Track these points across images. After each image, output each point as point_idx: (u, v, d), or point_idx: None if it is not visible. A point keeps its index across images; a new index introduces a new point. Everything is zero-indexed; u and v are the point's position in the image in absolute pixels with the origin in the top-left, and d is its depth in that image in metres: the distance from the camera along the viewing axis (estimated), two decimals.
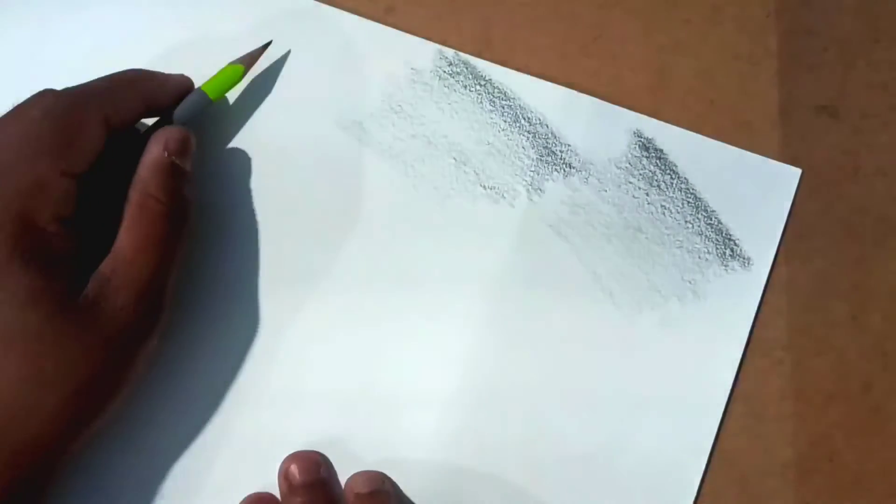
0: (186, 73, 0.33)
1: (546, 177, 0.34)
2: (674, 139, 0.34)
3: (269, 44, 0.34)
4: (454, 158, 0.34)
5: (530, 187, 0.34)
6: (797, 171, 0.34)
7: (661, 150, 0.34)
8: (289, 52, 0.34)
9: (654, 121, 0.34)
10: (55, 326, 0.26)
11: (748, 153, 0.34)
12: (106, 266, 0.28)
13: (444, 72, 0.35)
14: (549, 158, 0.34)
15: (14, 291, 0.26)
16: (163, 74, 0.32)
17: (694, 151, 0.34)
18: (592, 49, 0.35)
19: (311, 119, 0.34)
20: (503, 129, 0.34)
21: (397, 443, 0.32)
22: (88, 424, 0.28)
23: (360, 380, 0.33)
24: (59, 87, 0.29)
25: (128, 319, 0.28)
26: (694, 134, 0.34)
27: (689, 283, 0.33)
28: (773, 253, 0.34)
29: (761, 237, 0.34)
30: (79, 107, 0.29)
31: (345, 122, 0.34)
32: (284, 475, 0.31)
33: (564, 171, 0.34)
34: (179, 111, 0.31)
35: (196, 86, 0.32)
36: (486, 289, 0.33)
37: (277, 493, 0.31)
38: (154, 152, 0.30)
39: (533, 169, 0.34)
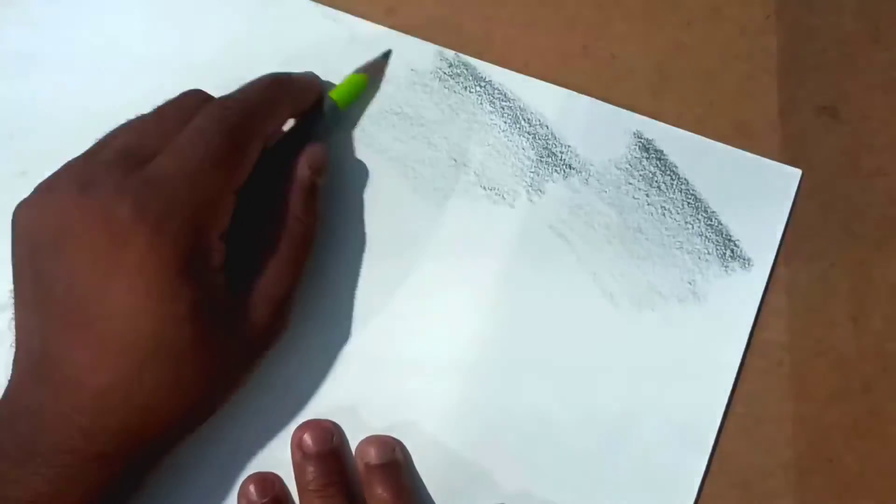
0: (187, 74, 0.33)
1: (546, 178, 0.34)
2: (674, 140, 0.34)
3: (389, 52, 0.34)
4: (454, 159, 0.34)
5: (530, 188, 0.34)
6: (797, 172, 0.34)
7: (662, 151, 0.34)
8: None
9: (655, 122, 0.34)
10: (206, 341, 0.27)
11: (748, 154, 0.34)
12: (253, 283, 0.29)
13: (445, 73, 0.35)
14: (549, 159, 0.34)
15: (177, 304, 0.26)
16: (298, 78, 0.32)
17: (694, 152, 0.34)
18: (592, 50, 0.35)
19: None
20: (503, 131, 0.34)
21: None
22: (203, 422, 0.29)
23: (361, 379, 0.33)
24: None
25: (264, 330, 0.30)
26: (694, 135, 0.34)
27: (689, 283, 0.33)
28: (773, 254, 0.34)
29: (761, 238, 0.34)
30: (247, 123, 0.29)
31: (345, 124, 0.34)
32: (298, 444, 0.32)
33: (564, 172, 0.34)
34: (323, 126, 0.32)
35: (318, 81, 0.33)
36: (486, 289, 0.33)
37: (289, 462, 0.32)
38: (303, 174, 0.31)
39: (533, 170, 0.34)
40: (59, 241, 0.26)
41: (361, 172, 0.34)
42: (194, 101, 0.30)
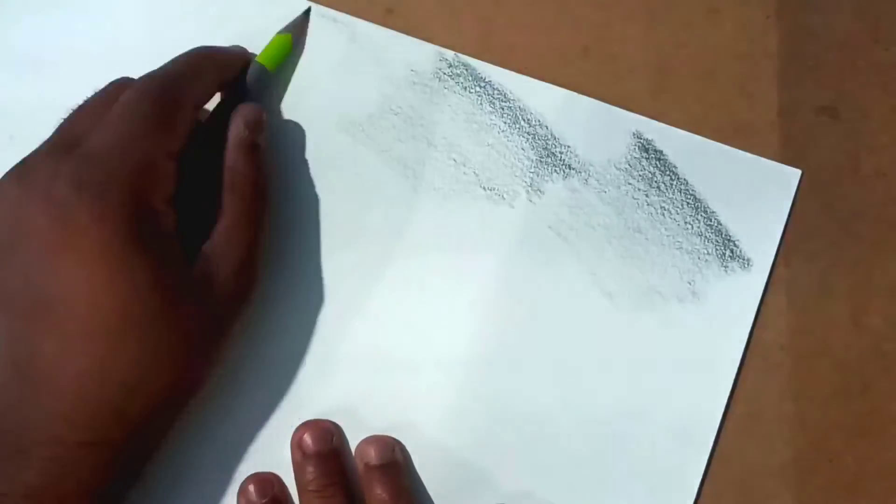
0: None
1: (546, 178, 0.34)
2: (673, 140, 0.34)
3: (308, 10, 0.34)
4: (454, 160, 0.34)
5: (530, 188, 0.34)
6: (797, 172, 0.34)
7: (661, 152, 0.34)
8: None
9: (654, 122, 0.34)
10: (171, 308, 0.27)
11: (748, 154, 0.34)
12: (208, 245, 0.29)
13: (444, 73, 0.35)
14: (549, 160, 0.34)
15: (133, 274, 0.26)
16: (221, 48, 0.33)
17: (694, 152, 0.34)
18: (592, 50, 0.35)
19: (311, 121, 0.34)
20: (503, 131, 0.34)
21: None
22: (192, 395, 0.29)
23: (361, 380, 0.33)
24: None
25: (230, 291, 0.30)
26: (694, 135, 0.34)
27: (689, 283, 0.33)
28: (772, 254, 0.34)
29: (761, 238, 0.34)
30: (171, 89, 0.29)
31: (345, 124, 0.34)
32: (298, 444, 0.32)
33: (564, 172, 0.34)
34: (252, 89, 0.32)
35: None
36: (486, 290, 0.33)
37: (289, 462, 0.32)
38: (239, 132, 0.31)
39: (533, 170, 0.34)
40: (5, 236, 0.27)
41: (361, 172, 0.34)
42: (121, 85, 0.30)
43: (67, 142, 0.28)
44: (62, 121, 0.30)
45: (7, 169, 0.32)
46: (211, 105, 0.32)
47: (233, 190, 0.30)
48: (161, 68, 0.31)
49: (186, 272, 0.28)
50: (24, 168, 0.28)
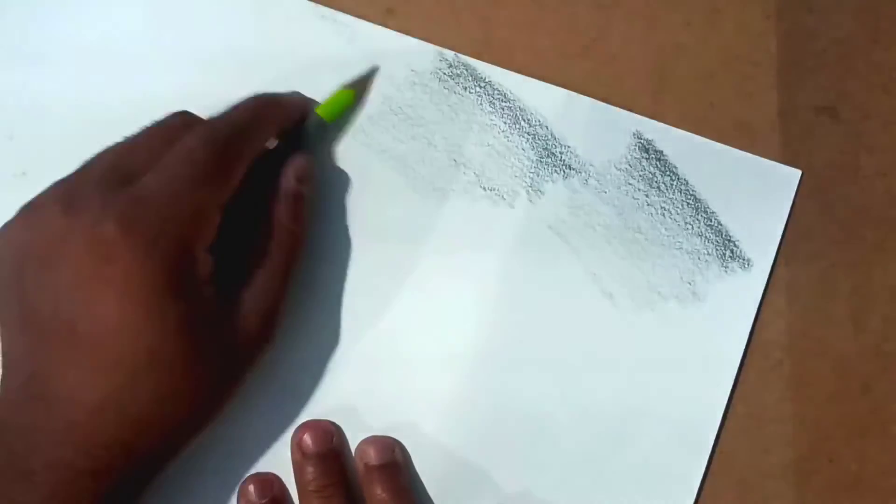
0: (187, 75, 0.33)
1: (546, 178, 0.34)
2: (674, 141, 0.34)
3: (376, 69, 0.34)
4: (454, 160, 0.34)
5: (530, 189, 0.34)
6: (797, 173, 0.34)
7: (661, 152, 0.34)
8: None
9: (654, 122, 0.34)
10: (196, 352, 0.27)
11: (748, 155, 0.34)
12: (245, 291, 0.29)
13: (444, 73, 0.35)
14: (549, 160, 0.34)
15: (166, 318, 0.26)
16: (284, 98, 0.33)
17: (694, 153, 0.34)
18: (592, 51, 0.35)
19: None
20: (503, 131, 0.34)
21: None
22: (203, 431, 0.29)
23: (361, 380, 0.33)
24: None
25: (255, 339, 0.30)
26: (694, 135, 0.34)
27: (689, 284, 0.33)
28: (772, 254, 0.34)
29: (761, 238, 0.34)
30: (233, 140, 0.29)
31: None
32: (298, 445, 0.32)
33: (564, 172, 0.34)
34: (308, 140, 0.33)
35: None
36: (486, 290, 0.33)
37: (289, 462, 0.32)
38: (289, 184, 0.31)
39: (533, 170, 0.34)
40: (45, 260, 0.26)
41: (361, 173, 0.34)
42: (181, 121, 0.30)
43: (120, 176, 0.28)
44: (114, 145, 0.29)
45: (6, 169, 0.32)
46: None
47: (276, 240, 0.30)
48: (225, 115, 0.30)
49: (217, 317, 0.28)
50: (71, 196, 0.27)
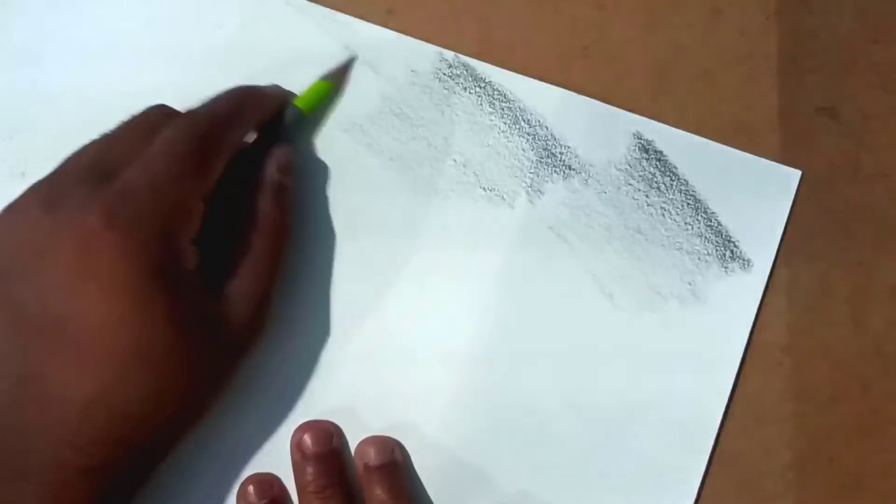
0: (185, 74, 0.33)
1: (546, 179, 0.34)
2: (674, 141, 0.34)
3: (353, 59, 0.34)
4: (454, 160, 0.34)
5: (530, 189, 0.34)
6: (797, 173, 0.34)
7: (661, 152, 0.34)
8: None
9: (654, 123, 0.34)
10: (185, 344, 0.27)
11: (748, 155, 0.34)
12: (231, 283, 0.29)
13: (444, 74, 0.35)
14: (549, 160, 0.34)
15: (153, 310, 0.26)
16: (263, 90, 0.33)
17: (694, 153, 0.34)
18: (592, 51, 0.35)
19: (311, 121, 0.34)
20: (503, 132, 0.34)
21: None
22: (190, 429, 0.29)
23: (360, 380, 0.33)
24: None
25: (245, 328, 0.30)
26: (694, 136, 0.34)
27: (689, 284, 0.33)
28: (773, 255, 0.34)
29: (761, 239, 0.34)
30: (214, 132, 0.29)
31: (345, 125, 0.34)
32: (297, 445, 0.32)
33: (564, 172, 0.34)
34: (287, 131, 0.33)
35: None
36: (486, 290, 0.33)
37: (288, 462, 0.32)
38: (271, 175, 0.31)
39: (533, 171, 0.34)
40: (28, 260, 0.26)
41: (361, 173, 0.34)
42: (159, 115, 0.30)
43: (101, 172, 0.27)
44: (93, 142, 0.29)
45: (5, 169, 0.32)
46: None
47: (260, 231, 0.30)
48: (204, 107, 0.30)
49: (204, 309, 0.28)
50: (52, 194, 0.27)
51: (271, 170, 0.31)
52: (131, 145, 0.28)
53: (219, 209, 0.30)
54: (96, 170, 0.28)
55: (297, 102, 0.33)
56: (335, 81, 0.34)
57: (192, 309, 0.28)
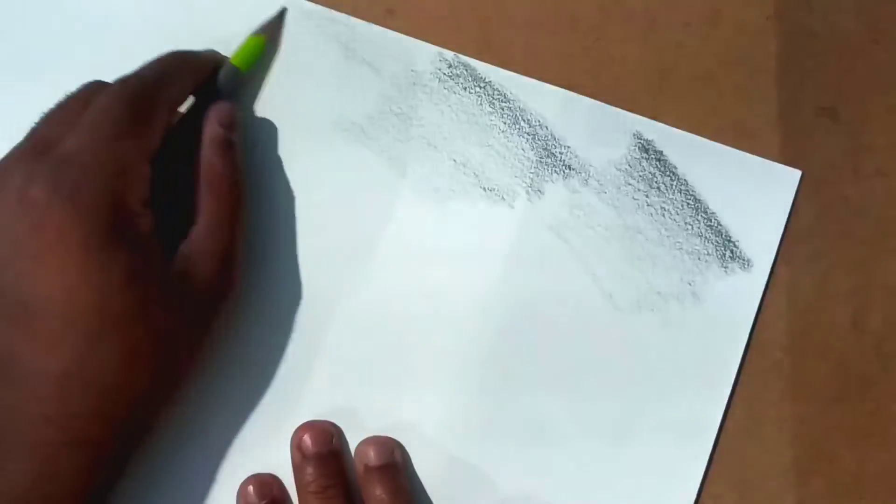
0: None
1: (546, 178, 0.34)
2: (673, 141, 0.34)
3: (284, 11, 0.34)
4: (454, 160, 0.34)
5: (530, 189, 0.34)
6: (797, 173, 0.34)
7: (661, 152, 0.34)
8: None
9: (654, 123, 0.34)
10: (150, 308, 0.27)
11: (748, 155, 0.34)
12: (186, 243, 0.30)
13: (444, 74, 0.35)
14: (549, 160, 0.34)
15: (109, 274, 0.26)
16: (195, 52, 0.33)
17: (694, 153, 0.34)
18: (592, 51, 0.35)
19: (311, 121, 0.34)
20: (503, 131, 0.34)
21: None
22: (174, 393, 0.29)
23: (360, 381, 0.33)
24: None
25: (209, 289, 0.30)
26: (694, 136, 0.34)
27: (689, 284, 0.33)
28: (772, 255, 0.34)
29: (761, 239, 0.34)
30: (145, 92, 0.29)
31: (344, 125, 0.34)
32: (297, 445, 0.32)
33: (564, 172, 0.34)
34: (224, 87, 0.33)
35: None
36: (486, 291, 0.33)
37: (288, 463, 0.32)
38: (213, 130, 0.31)
39: (532, 171, 0.34)
40: None
41: (361, 173, 0.34)
42: (94, 88, 0.30)
43: (41, 146, 0.28)
44: (34, 125, 0.30)
45: None
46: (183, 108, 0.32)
47: (209, 188, 0.30)
48: (135, 72, 0.31)
49: (165, 272, 0.28)
50: None
51: (213, 125, 0.31)
52: (67, 119, 0.29)
53: (171, 174, 0.30)
54: (36, 145, 0.28)
55: (233, 60, 0.33)
56: (268, 35, 0.34)
57: (150, 270, 0.28)
